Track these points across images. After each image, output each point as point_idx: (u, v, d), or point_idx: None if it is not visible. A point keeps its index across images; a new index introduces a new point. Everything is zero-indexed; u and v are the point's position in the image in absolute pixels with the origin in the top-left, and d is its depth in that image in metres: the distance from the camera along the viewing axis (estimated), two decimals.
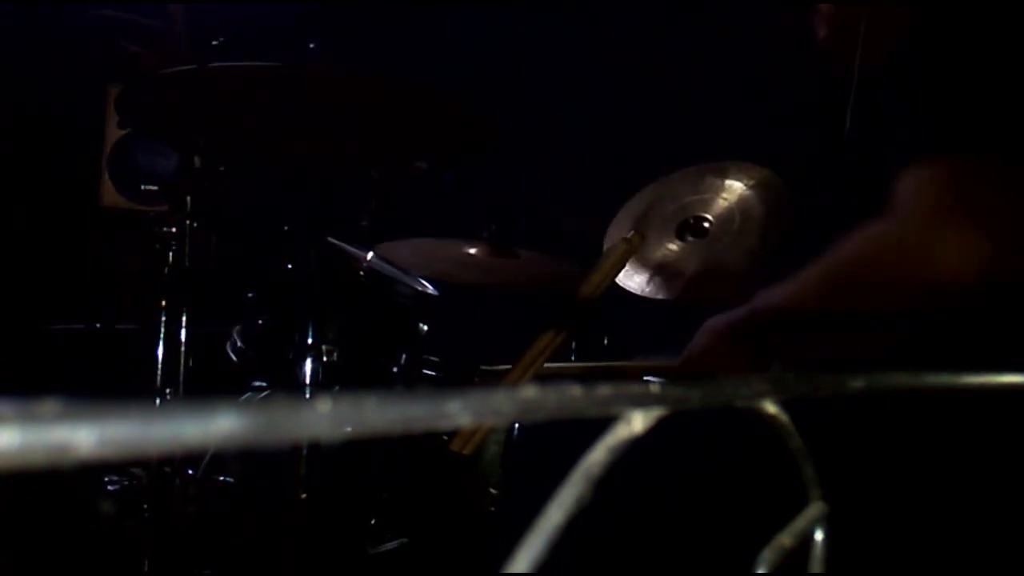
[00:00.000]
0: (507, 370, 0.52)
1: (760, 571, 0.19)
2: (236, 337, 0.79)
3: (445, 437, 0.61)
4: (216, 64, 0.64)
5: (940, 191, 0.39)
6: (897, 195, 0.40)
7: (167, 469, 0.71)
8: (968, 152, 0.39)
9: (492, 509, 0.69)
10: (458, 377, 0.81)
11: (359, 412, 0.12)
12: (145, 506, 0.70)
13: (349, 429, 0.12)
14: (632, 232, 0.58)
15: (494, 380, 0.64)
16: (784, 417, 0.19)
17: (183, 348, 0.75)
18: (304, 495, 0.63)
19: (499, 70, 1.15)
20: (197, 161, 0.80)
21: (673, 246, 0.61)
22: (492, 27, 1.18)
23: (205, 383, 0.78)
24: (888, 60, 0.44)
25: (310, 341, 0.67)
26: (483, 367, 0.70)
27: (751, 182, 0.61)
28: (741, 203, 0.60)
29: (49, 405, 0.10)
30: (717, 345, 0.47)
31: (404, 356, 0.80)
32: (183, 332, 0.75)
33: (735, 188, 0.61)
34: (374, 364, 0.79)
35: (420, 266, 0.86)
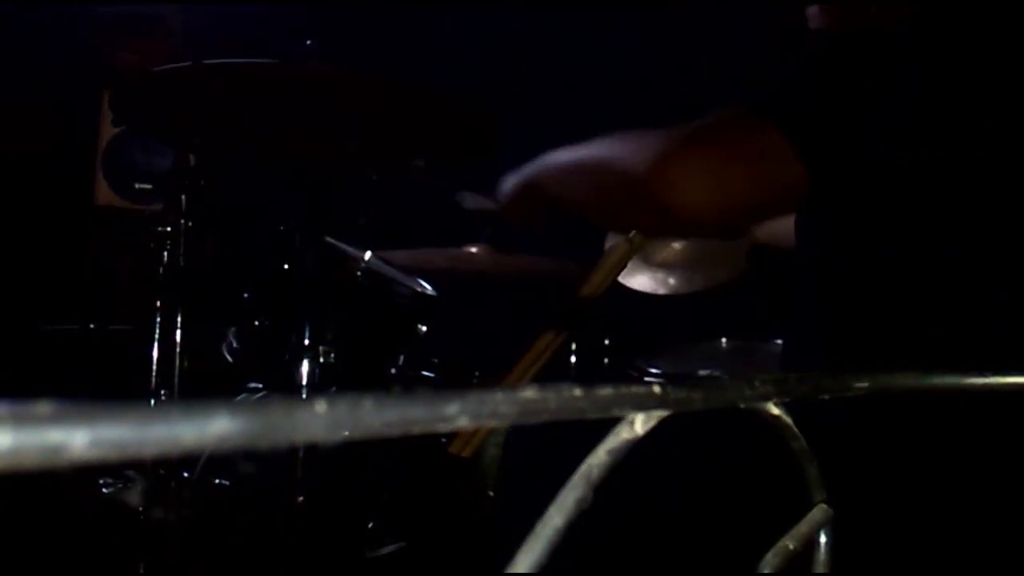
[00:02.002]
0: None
1: (764, 574, 0.19)
2: (232, 338, 0.79)
3: (444, 439, 0.61)
4: (212, 61, 0.64)
5: (701, 128, 0.40)
6: (676, 130, 0.41)
7: (162, 471, 0.70)
8: (757, 109, 0.39)
9: (491, 512, 0.69)
10: (457, 378, 0.81)
11: (356, 414, 0.12)
12: (140, 508, 0.69)
13: (346, 431, 0.12)
14: (633, 232, 0.58)
15: (494, 381, 0.64)
16: (787, 419, 0.19)
17: (178, 349, 0.74)
18: (301, 498, 0.63)
19: (499, 70, 1.15)
20: (192, 159, 0.80)
21: (675, 244, 0.61)
22: (492, 27, 1.18)
23: (200, 384, 0.78)
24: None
25: (307, 342, 0.67)
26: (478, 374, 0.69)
27: None
28: None
29: (43, 406, 0.10)
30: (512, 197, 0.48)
31: (402, 357, 0.79)
32: (178, 332, 0.75)
33: None
34: (372, 365, 0.79)
35: (419, 264, 0.86)
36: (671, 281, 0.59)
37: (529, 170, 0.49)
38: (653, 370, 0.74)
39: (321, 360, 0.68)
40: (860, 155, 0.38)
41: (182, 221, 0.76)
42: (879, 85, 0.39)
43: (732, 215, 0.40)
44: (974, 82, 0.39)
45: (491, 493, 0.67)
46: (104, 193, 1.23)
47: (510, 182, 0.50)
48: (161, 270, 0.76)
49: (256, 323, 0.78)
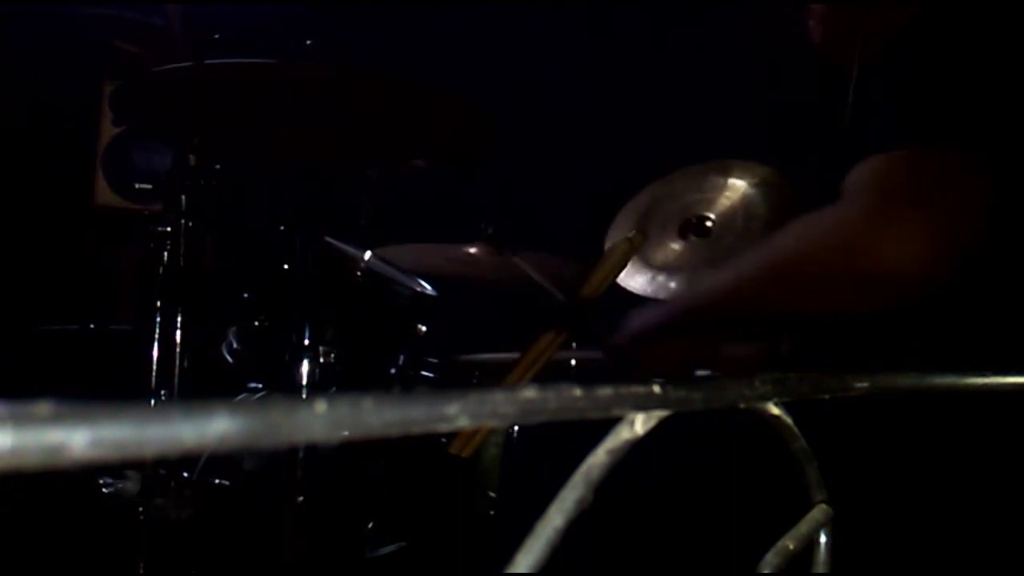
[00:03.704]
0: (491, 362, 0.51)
1: (764, 573, 0.19)
2: (232, 338, 0.78)
3: (444, 439, 0.61)
4: (212, 61, 0.64)
5: (903, 179, 0.38)
6: (856, 180, 0.39)
7: (162, 471, 0.70)
8: (927, 143, 0.38)
9: (491, 512, 0.69)
10: (457, 378, 0.81)
11: (356, 414, 0.12)
12: (140, 508, 0.69)
13: (346, 431, 0.12)
14: (634, 232, 0.58)
15: (493, 379, 0.63)
16: (787, 419, 0.19)
17: (178, 349, 0.74)
18: (301, 498, 0.63)
19: (499, 70, 1.14)
20: (192, 159, 0.80)
21: (675, 246, 0.61)
22: (492, 27, 1.18)
23: (200, 384, 0.78)
24: (877, 58, 0.44)
25: (307, 342, 0.67)
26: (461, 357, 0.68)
27: (754, 181, 0.61)
28: (744, 202, 0.60)
29: (43, 406, 0.10)
30: (643, 343, 0.45)
31: (402, 357, 0.79)
32: (178, 333, 0.74)
33: (738, 187, 0.61)
34: (372, 365, 0.79)
35: (418, 263, 0.86)
36: (671, 285, 0.59)
37: (669, 307, 0.44)
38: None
39: (321, 360, 0.68)
40: None
41: (182, 221, 0.76)
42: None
43: (950, 257, 0.37)
44: None
45: (491, 493, 0.67)
46: (104, 193, 1.23)
47: (644, 324, 0.44)
48: (161, 270, 0.76)
49: (256, 323, 0.78)
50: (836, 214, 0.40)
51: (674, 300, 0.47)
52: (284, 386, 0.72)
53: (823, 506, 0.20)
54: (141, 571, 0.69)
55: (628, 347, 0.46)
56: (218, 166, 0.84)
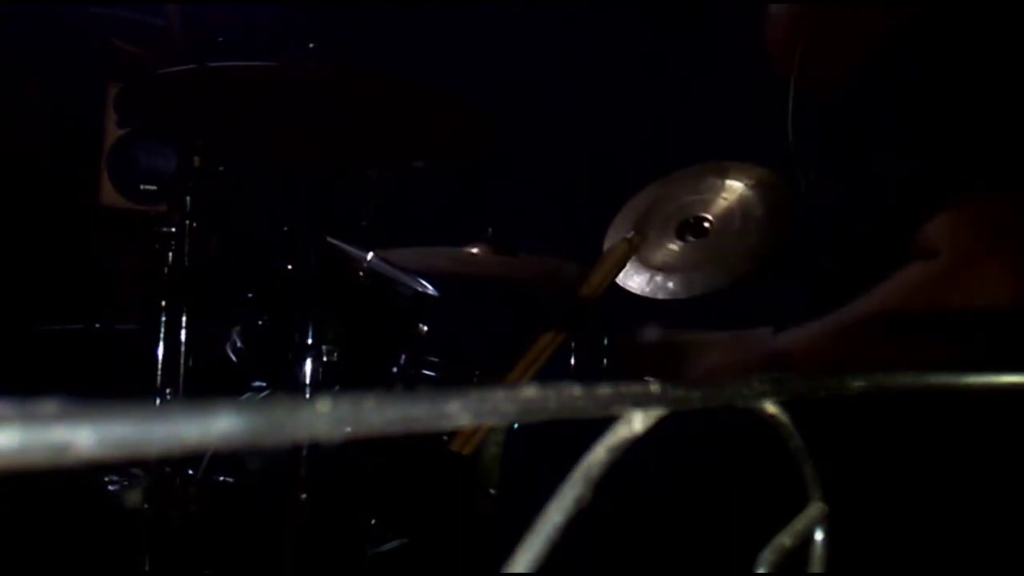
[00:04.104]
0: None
1: (760, 571, 0.19)
2: (236, 337, 0.79)
3: (445, 438, 0.61)
4: (215, 64, 0.64)
5: (979, 229, 0.40)
6: (933, 237, 0.41)
7: (167, 469, 0.71)
8: (993, 191, 0.40)
9: (492, 510, 0.69)
10: (458, 377, 0.81)
11: (359, 412, 0.12)
12: (145, 506, 0.70)
13: (349, 429, 0.12)
14: (632, 232, 0.58)
15: (494, 380, 0.64)
16: (784, 417, 0.19)
17: (183, 348, 0.75)
18: (304, 495, 0.63)
19: (499, 70, 1.15)
20: (196, 161, 0.80)
21: (673, 246, 0.61)
22: (492, 27, 1.18)
23: (205, 383, 0.78)
24: (847, 71, 0.44)
25: (310, 341, 0.67)
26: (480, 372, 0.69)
27: (752, 182, 0.61)
28: (742, 203, 0.60)
29: (49, 405, 0.10)
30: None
31: (404, 356, 0.80)
32: (183, 332, 0.75)
33: (736, 188, 0.61)
34: (374, 364, 0.79)
35: (419, 264, 0.86)
36: (669, 285, 0.59)
37: (758, 355, 0.44)
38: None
39: (324, 359, 0.69)
40: None
41: (186, 222, 0.77)
42: None
43: None
44: None
45: (491, 490, 0.68)
46: (109, 194, 1.24)
47: (729, 364, 0.44)
48: (165, 270, 0.77)
49: (260, 323, 0.78)
50: (920, 271, 0.41)
51: (756, 344, 0.46)
52: (287, 385, 0.72)
53: (819, 504, 0.20)
54: (146, 568, 0.69)
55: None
56: (222, 167, 0.85)
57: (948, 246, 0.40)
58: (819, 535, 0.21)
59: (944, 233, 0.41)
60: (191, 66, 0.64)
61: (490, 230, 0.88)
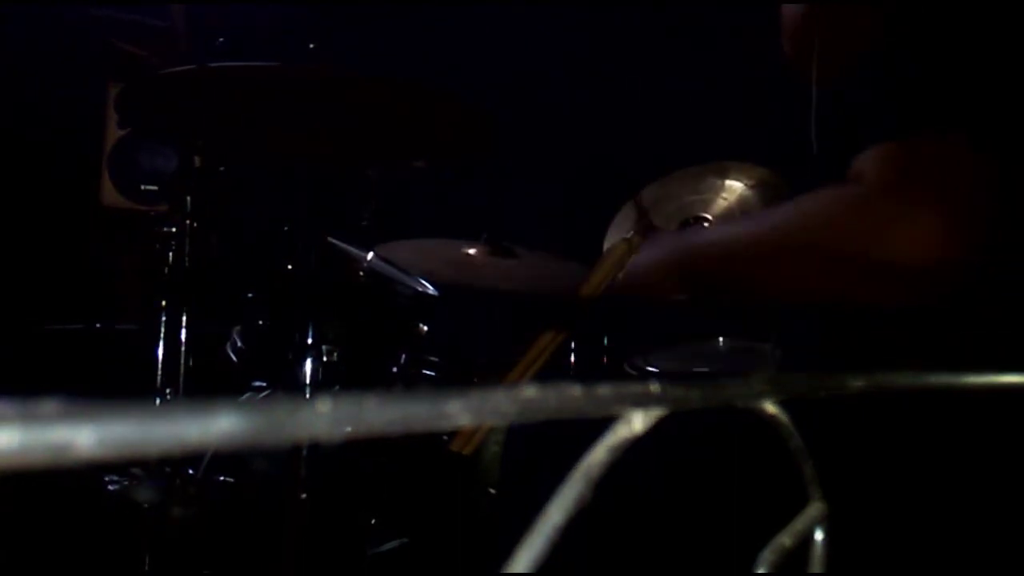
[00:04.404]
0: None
1: (760, 571, 0.19)
2: (236, 337, 0.79)
3: (445, 437, 0.61)
4: (216, 64, 0.64)
5: (906, 166, 0.37)
6: (861, 167, 0.38)
7: (167, 469, 0.71)
8: (936, 130, 0.37)
9: (492, 509, 0.69)
10: (458, 377, 0.81)
11: (359, 412, 0.12)
12: (145, 505, 0.70)
13: (349, 429, 0.12)
14: (632, 232, 0.58)
15: (494, 379, 0.64)
16: (784, 417, 0.19)
17: (183, 348, 0.75)
18: (304, 495, 0.63)
19: (499, 70, 1.15)
20: (197, 161, 0.80)
21: None
22: (492, 27, 1.18)
23: (205, 383, 0.78)
24: (853, 71, 0.44)
25: (310, 341, 0.67)
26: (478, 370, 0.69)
27: (751, 182, 0.61)
28: (741, 203, 0.61)
29: (49, 405, 0.10)
30: (651, 271, 0.44)
31: (404, 356, 0.80)
32: (183, 332, 0.75)
33: (735, 188, 0.61)
34: (374, 364, 0.79)
35: (419, 265, 0.86)
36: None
37: (674, 249, 0.44)
38: (652, 369, 0.75)
39: (324, 359, 0.69)
40: None
41: (187, 222, 0.77)
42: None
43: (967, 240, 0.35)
44: None
45: (491, 490, 0.68)
46: (110, 194, 1.24)
47: (649, 259, 0.44)
48: (166, 270, 0.77)
49: (260, 323, 0.78)
50: (845, 193, 0.38)
51: (678, 242, 0.45)
52: (288, 385, 0.72)
53: (819, 503, 0.20)
54: (146, 568, 0.69)
55: (635, 282, 0.45)
56: (222, 168, 0.85)
57: (868, 177, 0.37)
58: (819, 535, 0.21)
59: (867, 165, 0.37)
60: (191, 66, 0.64)
61: (490, 230, 0.88)
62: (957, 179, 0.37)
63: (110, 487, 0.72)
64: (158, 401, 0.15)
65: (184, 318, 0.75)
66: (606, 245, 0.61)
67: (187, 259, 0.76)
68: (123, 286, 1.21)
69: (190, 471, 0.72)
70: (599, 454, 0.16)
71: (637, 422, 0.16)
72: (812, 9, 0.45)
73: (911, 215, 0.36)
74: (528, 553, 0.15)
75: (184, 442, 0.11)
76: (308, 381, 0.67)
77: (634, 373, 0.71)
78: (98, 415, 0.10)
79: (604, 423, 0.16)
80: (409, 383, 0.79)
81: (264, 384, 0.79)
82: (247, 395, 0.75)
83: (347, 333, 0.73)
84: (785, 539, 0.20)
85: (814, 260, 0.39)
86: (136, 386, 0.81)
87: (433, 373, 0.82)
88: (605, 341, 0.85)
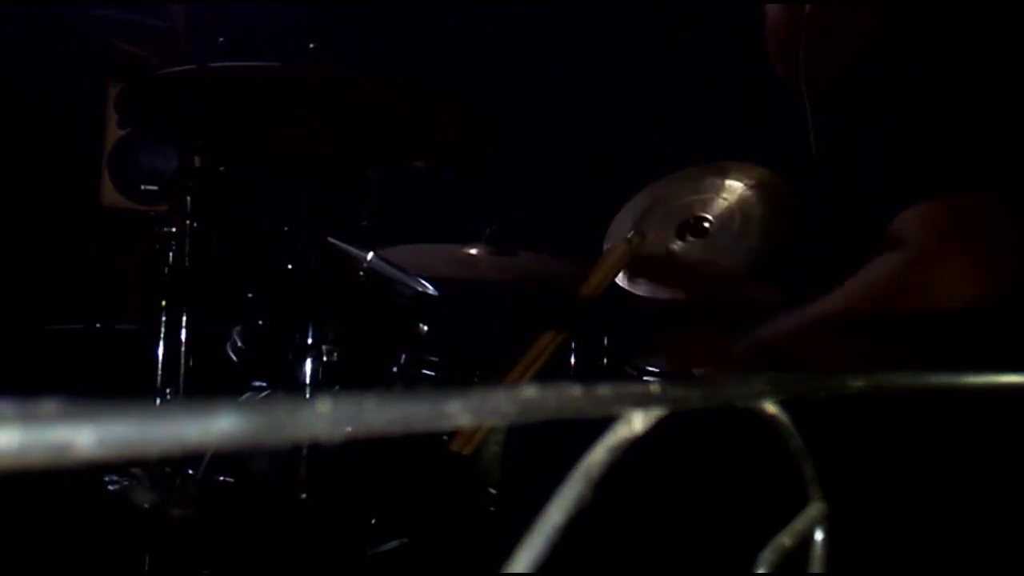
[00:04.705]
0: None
1: (760, 571, 0.19)
2: (236, 337, 0.79)
3: (445, 437, 0.61)
4: (216, 64, 0.64)
5: (946, 225, 0.41)
6: (901, 230, 0.41)
7: (167, 469, 0.71)
8: (967, 190, 0.40)
9: (492, 509, 0.69)
10: (458, 377, 0.81)
11: (359, 412, 0.12)
12: (145, 505, 0.70)
13: (349, 429, 0.12)
14: (632, 232, 0.58)
15: (494, 380, 0.64)
16: (784, 417, 0.19)
17: (183, 348, 0.75)
18: (304, 495, 0.63)
19: (499, 70, 1.15)
20: (197, 161, 0.80)
21: (673, 246, 0.61)
22: (492, 27, 1.18)
23: (205, 383, 0.78)
24: (843, 74, 0.44)
25: (310, 341, 0.67)
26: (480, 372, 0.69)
27: (751, 182, 0.61)
28: (741, 203, 0.61)
29: (49, 405, 0.10)
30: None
31: (404, 356, 0.80)
32: (183, 332, 0.75)
33: (735, 188, 0.61)
34: (374, 364, 0.79)
35: (419, 266, 0.86)
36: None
37: (743, 344, 0.46)
38: (651, 369, 0.75)
39: (324, 359, 0.69)
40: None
41: (187, 222, 0.77)
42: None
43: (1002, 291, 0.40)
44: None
45: (491, 490, 0.68)
46: (110, 194, 1.24)
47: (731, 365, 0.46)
48: (166, 270, 0.77)
49: (260, 322, 0.78)
50: (896, 256, 0.41)
51: (744, 341, 0.46)
52: (288, 385, 0.72)
53: (819, 503, 0.20)
54: (146, 568, 0.69)
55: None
56: (222, 167, 0.85)
57: (914, 240, 0.41)
58: (819, 535, 0.21)
59: (911, 226, 0.41)
60: (191, 66, 0.64)
61: (488, 230, 0.88)
62: (995, 236, 0.40)
63: (110, 487, 0.72)
64: (158, 401, 0.15)
65: (184, 318, 0.75)
66: (606, 245, 0.61)
67: (187, 259, 0.76)
68: (123, 286, 1.21)
69: (190, 471, 0.72)
70: (599, 454, 0.16)
71: (637, 422, 0.16)
72: (796, 10, 0.46)
73: (956, 275, 0.40)
74: (528, 553, 0.15)
75: (184, 442, 0.11)
76: (308, 381, 0.67)
77: (634, 373, 0.71)
78: (98, 415, 0.10)
79: (604, 423, 0.16)
80: (409, 383, 0.79)
81: (264, 384, 0.79)
82: (247, 395, 0.75)
83: (347, 333, 0.73)
84: (785, 539, 0.20)
85: (871, 336, 0.42)
86: (136, 386, 0.81)
87: (433, 373, 0.82)
88: (605, 341, 0.85)
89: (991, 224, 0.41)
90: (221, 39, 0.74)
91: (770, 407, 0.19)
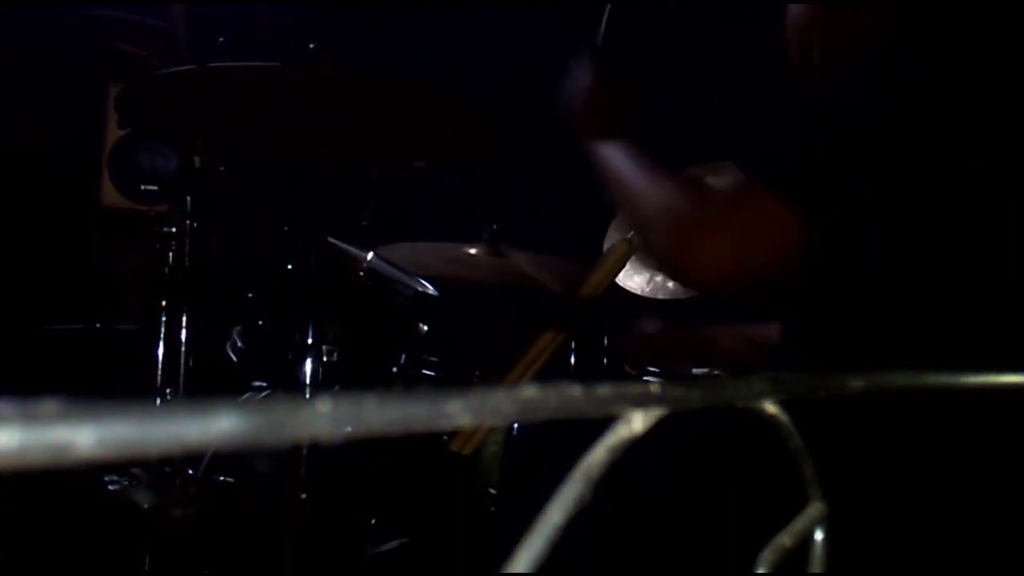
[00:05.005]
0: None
1: (760, 571, 0.19)
2: (236, 337, 0.79)
3: (445, 437, 0.61)
4: (216, 64, 0.64)
5: (731, 204, 0.43)
6: (719, 187, 0.45)
7: (167, 469, 0.71)
8: (774, 181, 0.41)
9: (492, 509, 0.69)
10: (458, 377, 0.81)
11: (359, 412, 0.12)
12: (145, 505, 0.70)
13: (349, 429, 0.12)
14: (632, 232, 0.58)
15: (494, 380, 0.64)
16: (784, 417, 0.19)
17: (183, 348, 0.75)
18: (304, 495, 0.63)
19: (499, 70, 1.15)
20: (197, 161, 0.80)
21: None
22: (492, 27, 1.18)
23: (205, 383, 0.78)
24: (846, 69, 0.45)
25: (310, 341, 0.67)
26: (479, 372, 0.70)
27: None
28: None
29: (49, 405, 0.10)
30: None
31: (404, 356, 0.80)
32: (183, 332, 0.75)
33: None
34: (374, 364, 0.79)
35: (419, 266, 0.86)
36: (669, 285, 0.59)
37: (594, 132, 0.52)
38: (652, 369, 0.75)
39: (324, 359, 0.69)
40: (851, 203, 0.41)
41: (187, 222, 0.77)
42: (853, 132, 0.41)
43: (736, 285, 0.43)
44: (944, 111, 0.41)
45: (491, 490, 0.68)
46: (110, 194, 1.24)
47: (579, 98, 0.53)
48: (166, 270, 0.77)
49: (260, 322, 0.78)
50: (691, 204, 0.45)
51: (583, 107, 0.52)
52: (288, 385, 0.72)
53: (819, 503, 0.20)
54: (146, 568, 0.69)
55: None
56: (222, 168, 0.85)
57: (715, 204, 0.44)
58: (819, 535, 0.21)
59: (729, 193, 0.44)
60: (191, 66, 0.64)
61: (488, 231, 0.88)
62: (760, 225, 0.42)
63: (110, 487, 0.72)
64: (158, 401, 0.15)
65: (184, 318, 0.75)
66: (606, 245, 0.61)
67: (187, 259, 0.76)
68: (123, 286, 1.21)
69: (190, 471, 0.72)
70: (599, 454, 0.16)
71: (637, 422, 0.16)
72: (817, 8, 0.46)
73: (708, 245, 0.43)
74: (528, 553, 0.15)
75: (184, 442, 0.11)
76: (308, 381, 0.67)
77: (634, 373, 0.71)
78: (98, 415, 0.10)
79: (604, 423, 0.16)
80: (409, 383, 0.79)
81: (264, 384, 0.79)
82: (247, 395, 0.75)
83: (347, 333, 0.73)
84: (785, 539, 0.20)
85: (639, 222, 0.47)
86: (136, 386, 0.81)
87: (433, 373, 0.82)
88: (605, 341, 0.85)
89: (765, 218, 0.41)
90: (221, 39, 0.74)
91: (770, 407, 0.19)
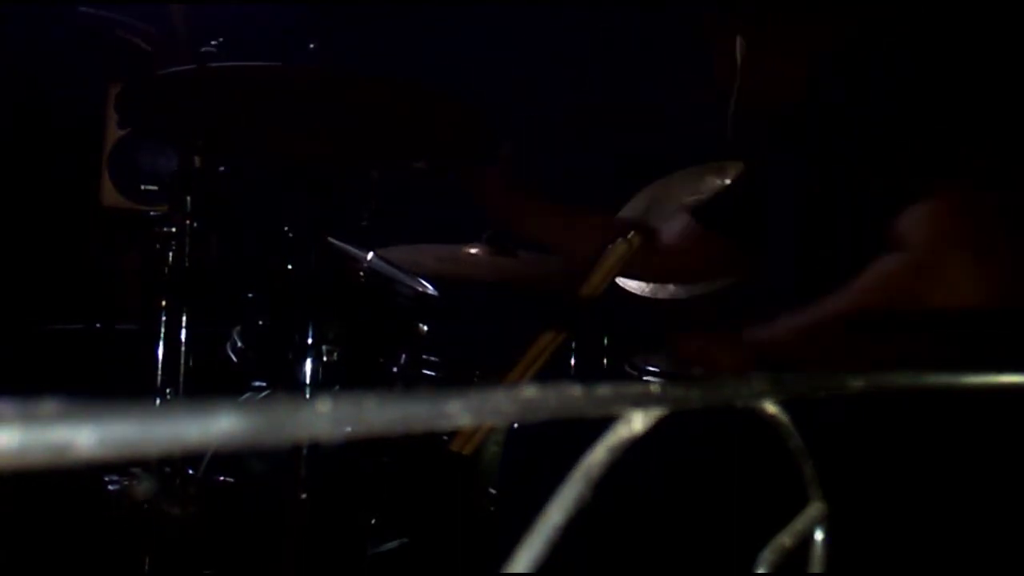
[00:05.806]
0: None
1: (760, 571, 0.19)
2: (236, 337, 0.79)
3: (445, 437, 0.61)
4: (216, 64, 0.64)
5: (948, 226, 0.42)
6: (905, 229, 0.43)
7: (167, 469, 0.71)
8: (963, 184, 0.41)
9: (492, 509, 0.69)
10: (458, 377, 0.81)
11: (359, 412, 0.12)
12: (145, 505, 0.70)
13: (349, 429, 0.12)
14: (632, 232, 0.58)
15: (494, 380, 0.64)
16: (784, 417, 0.19)
17: (183, 348, 0.75)
18: (304, 495, 0.63)
19: (499, 70, 1.15)
20: (197, 161, 0.80)
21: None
22: (492, 27, 1.18)
23: (205, 383, 0.78)
24: (875, 58, 0.45)
25: (310, 341, 0.67)
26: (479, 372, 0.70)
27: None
28: None
29: (49, 405, 0.10)
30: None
31: (404, 356, 0.80)
32: (183, 332, 0.75)
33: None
34: (374, 364, 0.79)
35: (419, 266, 0.86)
36: (670, 286, 0.60)
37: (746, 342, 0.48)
38: (652, 369, 0.75)
39: (324, 359, 0.69)
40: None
41: (187, 222, 0.77)
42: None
43: None
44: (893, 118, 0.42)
45: (491, 490, 0.68)
46: (110, 194, 1.24)
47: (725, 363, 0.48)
48: (166, 270, 0.77)
49: (260, 322, 0.78)
50: (888, 265, 0.43)
51: (748, 340, 0.48)
52: (288, 385, 0.72)
53: (818, 503, 0.20)
54: (146, 568, 0.69)
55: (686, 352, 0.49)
56: (222, 168, 0.85)
57: (916, 240, 0.42)
58: (819, 535, 0.21)
59: (913, 226, 0.42)
60: (191, 66, 0.64)
61: (488, 231, 0.88)
62: (994, 236, 0.42)
63: (110, 487, 0.72)
64: (158, 401, 0.15)
65: (184, 318, 0.75)
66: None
67: (187, 259, 0.76)
68: (123, 286, 1.21)
69: (190, 471, 0.72)
70: (599, 454, 0.16)
71: (637, 422, 0.16)
72: (740, 21, 0.47)
73: (957, 275, 0.42)
74: (528, 553, 0.15)
75: (184, 442, 0.11)
76: (308, 381, 0.67)
77: (634, 373, 0.72)
78: (98, 415, 0.10)
79: (604, 423, 0.16)
80: (409, 383, 0.79)
81: (264, 384, 0.79)
82: (247, 395, 0.75)
83: (347, 333, 0.73)
84: (785, 539, 0.20)
85: (876, 337, 0.44)
86: (136, 386, 0.81)
87: (433, 373, 0.82)
88: (605, 341, 0.85)
89: (991, 224, 0.42)
90: (213, 42, 0.74)
91: (770, 407, 0.19)
